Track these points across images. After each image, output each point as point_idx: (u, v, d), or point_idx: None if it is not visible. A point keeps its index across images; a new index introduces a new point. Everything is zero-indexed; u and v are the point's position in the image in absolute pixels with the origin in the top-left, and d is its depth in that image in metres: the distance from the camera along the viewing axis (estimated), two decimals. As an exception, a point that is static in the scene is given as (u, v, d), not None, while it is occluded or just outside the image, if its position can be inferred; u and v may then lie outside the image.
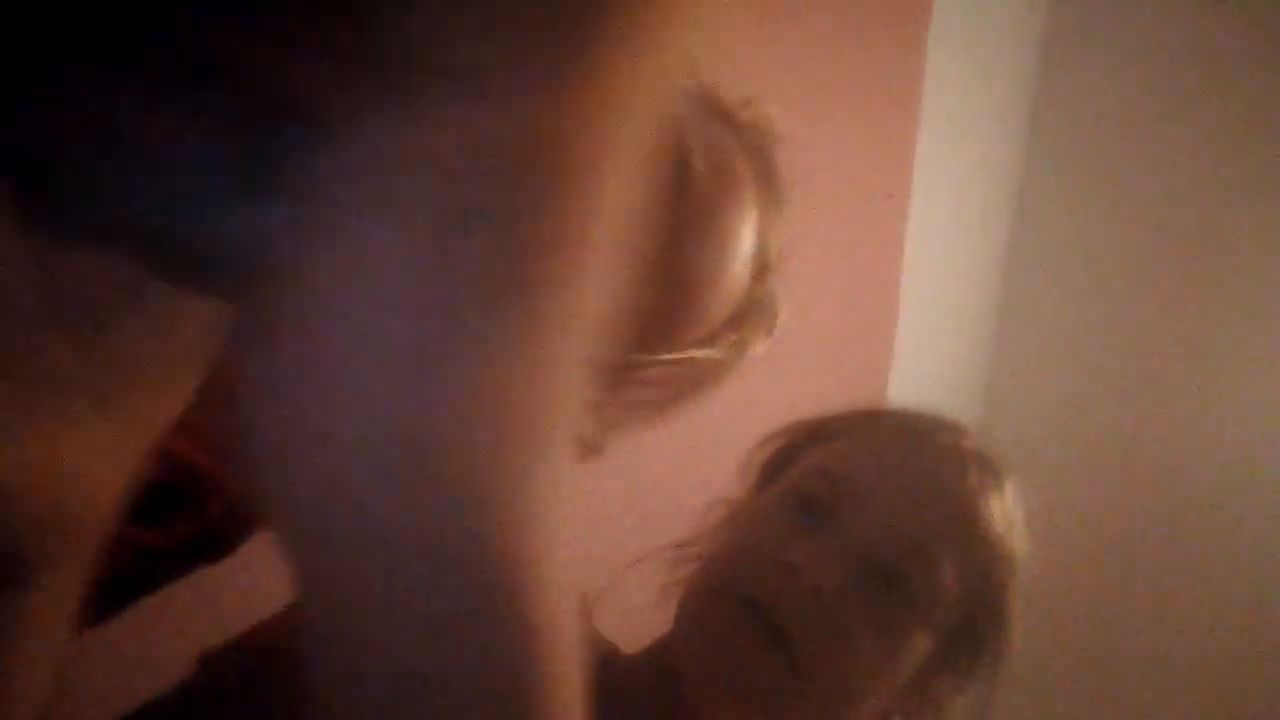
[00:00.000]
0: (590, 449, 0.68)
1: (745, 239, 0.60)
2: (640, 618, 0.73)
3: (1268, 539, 1.96)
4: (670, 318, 0.59)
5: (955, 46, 1.69)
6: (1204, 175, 2.02)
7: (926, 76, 1.62)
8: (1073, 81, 2.09)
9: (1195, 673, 2.00)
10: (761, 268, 0.63)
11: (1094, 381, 2.12)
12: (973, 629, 0.64)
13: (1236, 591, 1.97)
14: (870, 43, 1.54)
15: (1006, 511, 0.65)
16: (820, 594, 0.59)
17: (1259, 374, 1.98)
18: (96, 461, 0.31)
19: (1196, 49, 2.00)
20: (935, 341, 1.92)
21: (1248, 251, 1.98)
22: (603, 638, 0.72)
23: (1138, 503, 2.06)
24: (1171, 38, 2.01)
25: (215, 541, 0.57)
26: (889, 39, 1.57)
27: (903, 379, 1.74)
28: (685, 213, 0.57)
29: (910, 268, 1.75)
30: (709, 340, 0.62)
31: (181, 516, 0.56)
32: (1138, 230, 2.08)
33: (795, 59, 1.36)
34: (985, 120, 1.97)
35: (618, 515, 1.12)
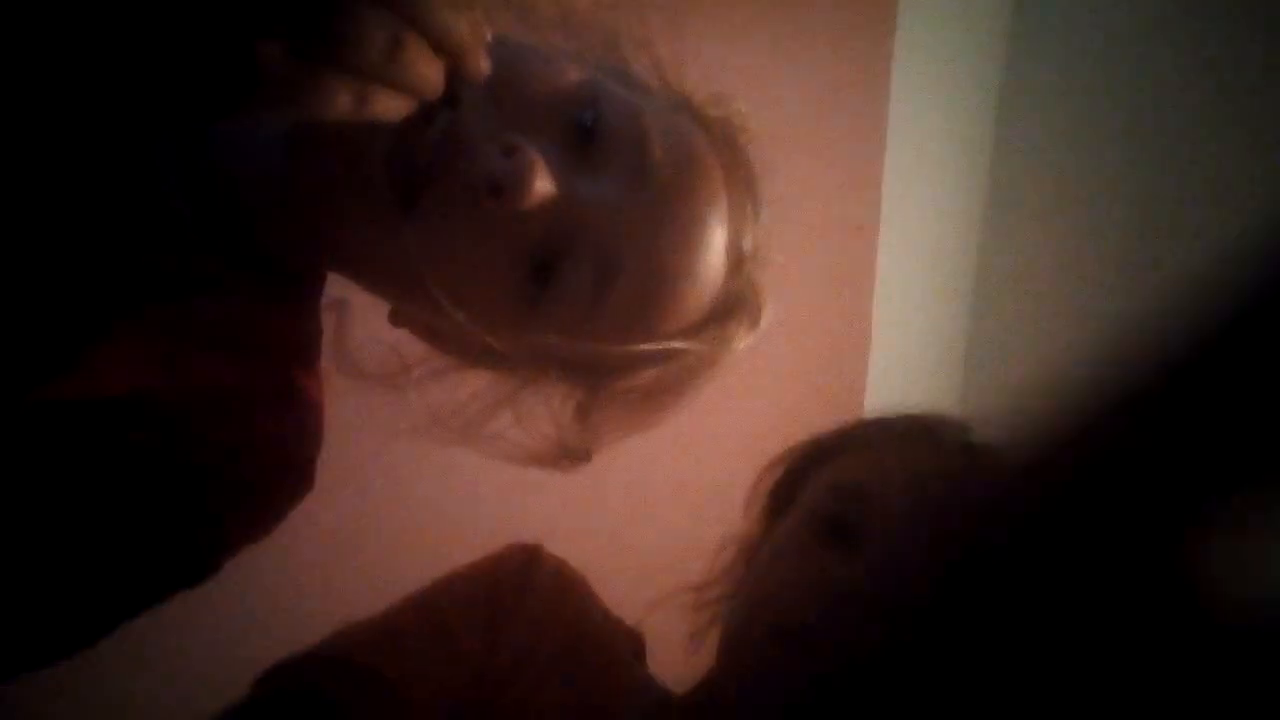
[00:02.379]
0: (578, 456, 0.66)
1: (714, 228, 0.59)
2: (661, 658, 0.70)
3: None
4: (644, 307, 0.57)
5: (919, 74, 1.72)
6: (1170, 206, 2.05)
7: (891, 102, 1.64)
8: (1036, 106, 2.13)
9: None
10: (737, 259, 0.61)
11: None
12: None
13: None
14: (833, 74, 1.57)
15: None
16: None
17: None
18: None
19: (1158, 81, 2.05)
20: (906, 374, 1.93)
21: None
22: (657, 682, 0.69)
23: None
24: (1134, 67, 2.06)
25: (196, 561, 0.55)
26: (851, 68, 1.60)
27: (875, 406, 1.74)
28: (647, 200, 0.56)
29: (881, 299, 1.76)
30: (690, 333, 0.60)
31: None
32: (1102, 253, 2.11)
33: (756, 91, 1.38)
34: (951, 144, 2.00)
35: (619, 547, 1.10)
